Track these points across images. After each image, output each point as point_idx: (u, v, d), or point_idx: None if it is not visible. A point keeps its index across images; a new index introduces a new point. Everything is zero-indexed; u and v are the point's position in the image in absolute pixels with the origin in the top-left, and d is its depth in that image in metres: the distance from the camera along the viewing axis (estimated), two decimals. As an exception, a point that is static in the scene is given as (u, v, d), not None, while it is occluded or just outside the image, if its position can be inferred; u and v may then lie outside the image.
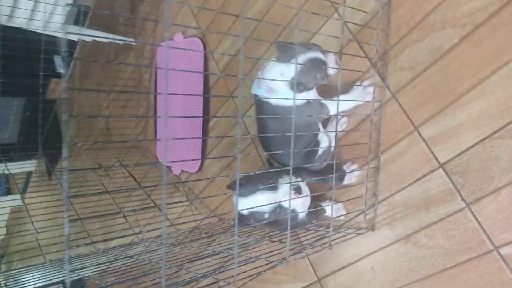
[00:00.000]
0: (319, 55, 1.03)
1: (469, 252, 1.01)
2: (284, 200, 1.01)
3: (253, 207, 0.99)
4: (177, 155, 2.03)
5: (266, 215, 1.01)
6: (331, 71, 1.06)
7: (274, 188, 1.01)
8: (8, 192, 4.55)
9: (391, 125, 1.16)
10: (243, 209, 1.02)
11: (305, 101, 1.10)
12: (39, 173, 3.68)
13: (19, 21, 1.90)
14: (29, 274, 1.50)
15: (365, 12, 1.20)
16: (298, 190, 1.00)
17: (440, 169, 1.06)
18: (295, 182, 1.06)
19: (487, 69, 0.97)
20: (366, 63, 1.21)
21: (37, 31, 2.01)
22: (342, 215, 1.26)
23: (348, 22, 1.24)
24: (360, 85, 1.21)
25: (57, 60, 3.38)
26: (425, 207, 1.09)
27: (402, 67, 1.13)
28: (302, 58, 1.00)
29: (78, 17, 2.80)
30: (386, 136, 1.17)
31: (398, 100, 1.14)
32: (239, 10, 1.64)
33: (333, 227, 1.30)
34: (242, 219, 1.03)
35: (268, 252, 1.04)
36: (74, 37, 2.12)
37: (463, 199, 1.02)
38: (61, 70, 3.38)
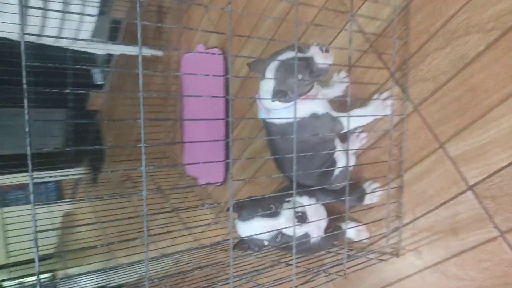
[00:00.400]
0: (291, 54, 0.92)
1: None
2: (285, 227, 0.94)
3: (250, 234, 0.93)
4: (202, 168, 2.01)
5: (266, 243, 0.95)
6: (323, 64, 0.93)
7: (275, 214, 0.94)
8: (60, 197, 4.84)
9: (414, 141, 1.06)
10: (243, 235, 0.97)
11: (311, 114, 1.02)
12: (85, 180, 3.83)
13: (47, 40, 1.96)
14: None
15: (381, 19, 1.10)
16: (301, 219, 0.92)
17: (469, 192, 0.94)
18: (302, 205, 0.98)
19: (519, 80, 0.84)
20: (385, 74, 1.12)
21: (65, 47, 2.08)
22: (365, 238, 1.18)
23: (362, 32, 1.15)
24: (378, 98, 1.12)
25: (96, 73, 3.51)
26: (454, 234, 0.98)
27: (424, 77, 1.02)
28: (272, 66, 0.92)
29: (113, 32, 2.88)
30: (409, 153, 1.07)
31: (421, 113, 1.04)
32: (257, 18, 1.58)
33: (356, 249, 1.21)
34: (242, 244, 0.97)
35: (276, 280, 0.98)
36: (100, 51, 2.17)
37: (496, 227, 0.90)
38: (99, 82, 3.51)
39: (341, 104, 1.19)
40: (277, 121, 1.02)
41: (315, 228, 1.06)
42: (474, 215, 0.94)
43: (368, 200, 1.15)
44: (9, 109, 3.19)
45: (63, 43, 2.02)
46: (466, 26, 0.93)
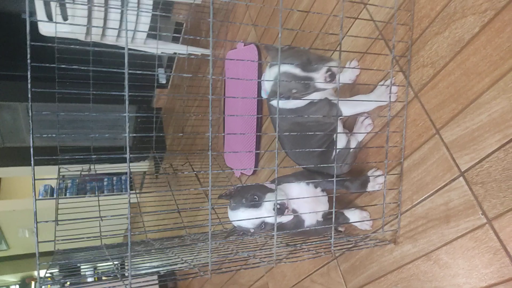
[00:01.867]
0: (290, 70, 0.97)
1: (492, 277, 0.85)
2: (267, 217, 0.99)
3: (237, 222, 1.00)
4: (237, 160, 2.12)
5: (252, 230, 1.00)
6: (321, 85, 0.97)
7: (258, 204, 0.99)
8: (131, 189, 5.29)
9: (414, 127, 1.05)
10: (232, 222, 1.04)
11: (307, 102, 1.06)
12: (151, 172, 4.12)
13: (109, 39, 2.21)
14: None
15: (389, 7, 1.11)
16: (280, 211, 0.96)
17: (461, 178, 0.92)
18: (281, 200, 1.00)
19: (509, 61, 0.81)
20: (391, 61, 1.12)
21: (124, 46, 2.31)
22: (366, 220, 1.18)
23: (372, 20, 1.17)
24: (382, 85, 1.13)
25: (160, 72, 3.80)
26: (446, 221, 0.95)
27: (424, 63, 1.02)
28: (273, 71, 0.99)
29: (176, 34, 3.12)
30: (409, 140, 1.06)
31: (420, 99, 1.03)
32: (287, 12, 1.65)
33: (358, 235, 1.22)
34: (235, 231, 1.05)
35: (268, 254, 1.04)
36: (154, 51, 2.38)
37: (484, 213, 0.87)
38: (163, 81, 3.79)
39: (343, 90, 1.22)
40: (274, 103, 1.08)
41: (308, 213, 1.10)
42: (465, 202, 0.91)
43: (371, 187, 1.16)
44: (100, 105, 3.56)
45: (122, 43, 2.25)
46: (463, 8, 0.91)
